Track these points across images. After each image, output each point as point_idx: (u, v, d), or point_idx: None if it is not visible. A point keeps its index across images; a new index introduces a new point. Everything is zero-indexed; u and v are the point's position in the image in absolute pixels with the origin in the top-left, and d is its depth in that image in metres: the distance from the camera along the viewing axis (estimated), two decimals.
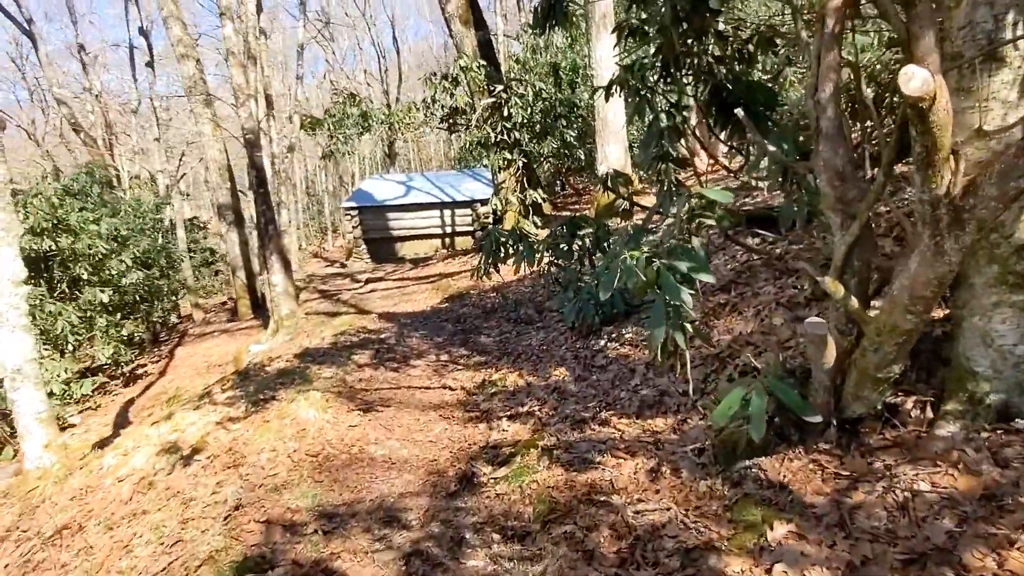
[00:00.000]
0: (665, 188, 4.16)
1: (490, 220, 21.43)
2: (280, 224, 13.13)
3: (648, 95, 3.98)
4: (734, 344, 3.45)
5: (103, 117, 20.07)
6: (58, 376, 8.92)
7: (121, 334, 10.97)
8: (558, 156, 12.79)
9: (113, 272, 10.81)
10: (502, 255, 5.87)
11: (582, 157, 12.45)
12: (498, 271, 7.48)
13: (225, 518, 3.06)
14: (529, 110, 11.67)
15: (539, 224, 12.14)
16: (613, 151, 10.05)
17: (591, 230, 5.02)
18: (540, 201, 12.20)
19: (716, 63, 3.73)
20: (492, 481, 3.00)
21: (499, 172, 12.40)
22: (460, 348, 6.15)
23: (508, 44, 25.03)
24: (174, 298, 17.05)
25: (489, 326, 6.83)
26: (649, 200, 10.03)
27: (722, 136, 3.92)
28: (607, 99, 4.27)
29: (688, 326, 2.59)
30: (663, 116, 4.05)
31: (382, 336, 7.07)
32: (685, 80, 3.91)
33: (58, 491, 4.09)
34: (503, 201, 12.00)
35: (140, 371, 12.86)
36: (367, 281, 14.75)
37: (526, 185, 12.25)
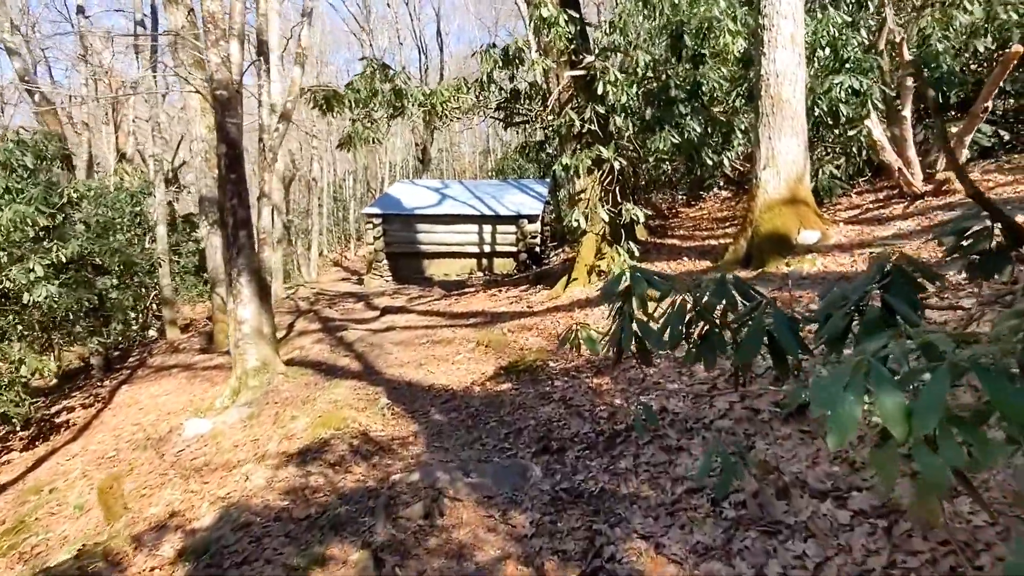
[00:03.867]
0: None
1: (537, 240, 17.72)
2: (262, 227, 9.55)
3: None
4: None
5: (97, 88, 17.06)
6: None
7: (21, 374, 7.50)
8: (678, 156, 8.93)
9: (12, 283, 7.32)
10: (655, 337, 2.17)
11: (710, 160, 8.67)
12: (646, 362, 3.80)
13: None
14: (635, 88, 7.99)
15: (636, 254, 8.39)
16: (787, 147, 6.28)
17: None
18: (637, 219, 8.46)
19: None
20: None
21: (579, 176, 8.73)
22: None
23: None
24: (144, 310, 13.72)
25: (637, 495, 3.05)
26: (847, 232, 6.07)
27: None
28: None
29: None
30: None
31: (395, 475, 3.36)
32: None
33: None
34: (585, 217, 8.28)
35: (66, 416, 9.44)
36: (383, 311, 11.12)
37: (618, 197, 8.54)
